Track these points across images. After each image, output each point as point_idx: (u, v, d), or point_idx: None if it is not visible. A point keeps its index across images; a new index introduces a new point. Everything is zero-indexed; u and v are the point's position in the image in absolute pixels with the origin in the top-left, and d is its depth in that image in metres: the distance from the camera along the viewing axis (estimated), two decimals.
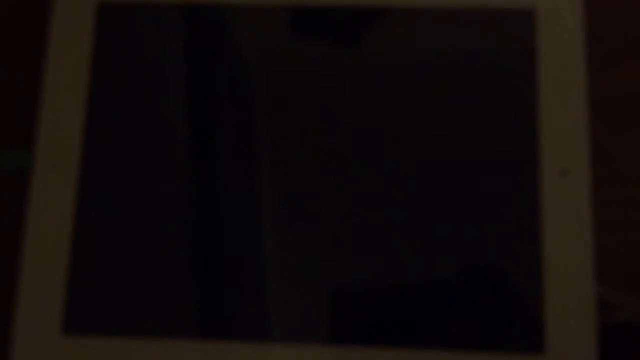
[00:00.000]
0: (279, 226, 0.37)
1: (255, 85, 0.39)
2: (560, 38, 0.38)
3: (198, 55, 0.39)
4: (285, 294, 0.36)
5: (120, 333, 0.36)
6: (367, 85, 0.38)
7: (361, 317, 0.36)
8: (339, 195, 0.37)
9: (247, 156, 0.38)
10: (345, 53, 0.39)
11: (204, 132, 0.38)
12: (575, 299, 0.35)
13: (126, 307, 0.36)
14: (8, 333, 0.40)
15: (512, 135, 0.37)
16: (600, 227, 0.41)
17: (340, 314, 0.36)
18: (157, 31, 0.39)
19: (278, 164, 0.37)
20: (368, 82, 0.38)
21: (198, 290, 0.36)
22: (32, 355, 0.36)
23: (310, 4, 0.39)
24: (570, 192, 0.36)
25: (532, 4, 0.39)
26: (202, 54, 0.39)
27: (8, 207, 0.41)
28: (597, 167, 0.42)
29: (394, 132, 0.37)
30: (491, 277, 0.36)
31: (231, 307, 0.36)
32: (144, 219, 0.37)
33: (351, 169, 0.37)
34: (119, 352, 0.36)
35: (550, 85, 0.37)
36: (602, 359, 0.38)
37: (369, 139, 0.37)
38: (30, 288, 0.37)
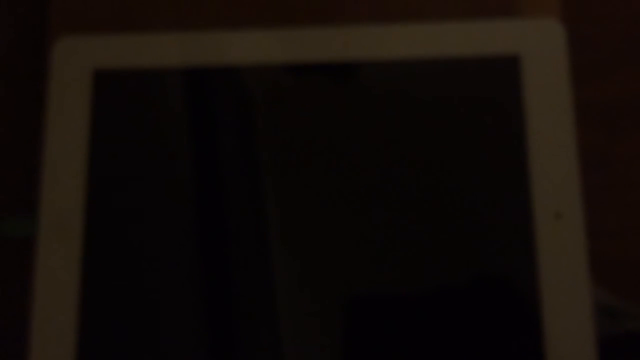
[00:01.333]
0: (287, 261, 0.37)
1: (258, 125, 0.39)
2: (546, 82, 0.39)
3: (195, 116, 0.40)
4: (295, 329, 0.37)
5: None
6: (364, 119, 0.39)
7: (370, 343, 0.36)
8: (337, 225, 0.37)
9: (254, 193, 0.39)
10: (340, 92, 0.39)
11: (207, 193, 0.39)
12: (575, 340, 0.36)
13: None
14: None
15: (504, 182, 0.38)
16: (601, 235, 0.41)
17: (349, 338, 0.36)
18: (154, 95, 0.40)
19: (283, 194, 0.38)
20: (364, 117, 0.39)
21: (209, 345, 0.37)
22: None
23: (303, 59, 0.40)
24: (565, 233, 0.37)
25: (516, 49, 0.39)
26: (200, 114, 0.40)
27: (15, 274, 0.42)
28: (595, 173, 0.42)
29: (384, 180, 0.38)
30: (490, 314, 0.36)
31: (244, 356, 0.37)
32: (151, 281, 0.38)
33: (355, 195, 0.38)
34: None
35: (539, 130, 0.38)
36: None
37: (372, 172, 0.38)
38: (39, 356, 0.37)
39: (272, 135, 0.39)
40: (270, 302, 0.37)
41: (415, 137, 0.39)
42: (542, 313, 0.36)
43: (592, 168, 0.42)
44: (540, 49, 0.39)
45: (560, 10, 0.42)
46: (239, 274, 0.38)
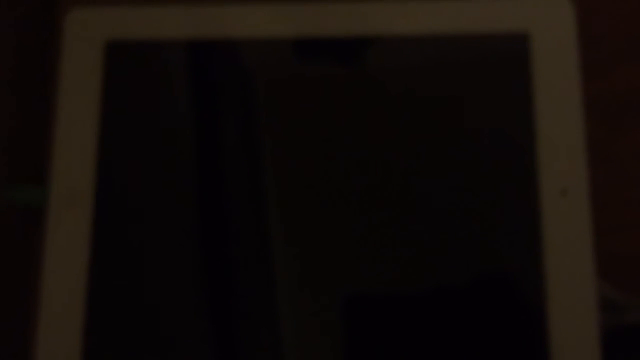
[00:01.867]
0: (289, 255, 0.38)
1: (262, 111, 0.40)
2: (555, 61, 0.39)
3: (206, 89, 0.40)
4: (295, 324, 0.37)
5: None
6: (369, 107, 0.39)
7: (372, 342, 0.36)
8: (341, 219, 0.38)
9: (255, 186, 0.39)
10: (347, 74, 0.39)
11: (215, 165, 0.39)
12: (578, 315, 0.36)
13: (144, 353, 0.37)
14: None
15: (511, 158, 0.38)
16: (604, 230, 0.41)
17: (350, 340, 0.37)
18: (165, 67, 0.41)
19: (284, 190, 0.38)
20: (369, 104, 0.39)
21: (210, 342, 0.37)
22: None
23: (310, 34, 0.40)
24: (571, 210, 0.37)
25: (526, 27, 0.40)
26: (210, 88, 0.40)
27: (25, 242, 0.42)
28: (599, 168, 0.42)
29: (394, 152, 0.38)
30: (494, 292, 0.36)
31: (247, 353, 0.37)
32: (159, 253, 0.38)
33: (357, 191, 0.38)
34: None
35: (547, 107, 0.38)
36: None
37: (374, 160, 0.38)
38: (47, 328, 0.38)
39: (275, 116, 0.39)
40: (271, 301, 0.37)
41: (422, 117, 0.39)
42: (546, 292, 0.36)
43: (593, 164, 0.42)
44: (550, 27, 0.39)
45: None
46: (240, 270, 0.38)
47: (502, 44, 0.39)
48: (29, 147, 0.43)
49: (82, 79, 0.40)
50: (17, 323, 0.41)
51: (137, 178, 0.39)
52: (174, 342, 0.37)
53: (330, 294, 0.37)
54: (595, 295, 0.36)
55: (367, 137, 0.39)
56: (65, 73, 0.41)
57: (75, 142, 0.40)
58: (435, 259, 0.37)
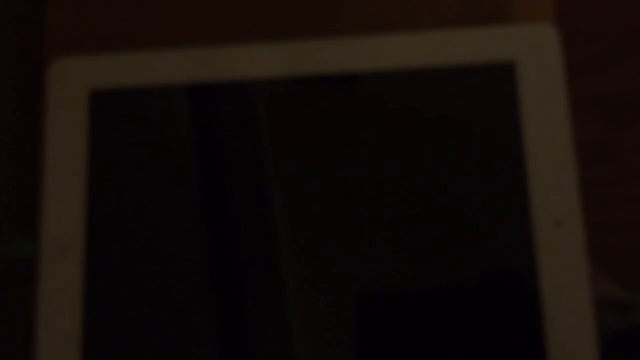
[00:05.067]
0: (297, 259, 0.37)
1: (261, 134, 0.39)
2: (542, 88, 0.39)
3: (196, 134, 0.40)
4: (305, 322, 0.37)
5: None
6: (361, 138, 0.39)
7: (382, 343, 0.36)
8: (342, 224, 0.38)
9: (262, 194, 0.39)
10: (340, 108, 0.39)
11: (209, 208, 0.39)
12: (578, 347, 0.36)
13: None
14: None
15: (503, 190, 0.37)
16: (608, 228, 0.41)
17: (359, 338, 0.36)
18: (151, 113, 0.40)
19: (291, 196, 0.38)
20: (363, 138, 0.39)
21: (219, 351, 0.37)
22: None
23: (302, 72, 0.40)
24: (565, 241, 0.37)
25: (512, 56, 0.39)
26: (201, 132, 0.40)
27: (17, 296, 0.42)
28: (602, 166, 0.42)
29: (388, 183, 0.38)
30: (491, 323, 0.36)
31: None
32: (153, 302, 0.38)
33: (358, 200, 0.38)
34: None
35: (536, 136, 0.38)
36: None
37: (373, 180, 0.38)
38: None
39: (278, 148, 0.39)
40: (280, 302, 0.37)
41: (413, 146, 0.38)
42: (544, 321, 0.36)
43: (598, 161, 0.42)
44: (535, 55, 0.39)
45: (554, 14, 0.42)
46: (248, 281, 0.38)
47: (488, 74, 0.39)
48: (20, 200, 0.43)
49: (68, 128, 0.40)
50: None
51: (128, 226, 0.39)
52: None
53: (338, 292, 0.37)
54: (594, 324, 0.36)
55: (367, 157, 0.39)
56: (51, 123, 0.40)
57: (64, 192, 0.40)
58: (434, 281, 0.37)
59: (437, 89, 0.39)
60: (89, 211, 0.39)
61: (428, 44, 0.40)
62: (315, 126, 0.39)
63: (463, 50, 0.40)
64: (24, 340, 0.41)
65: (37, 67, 0.45)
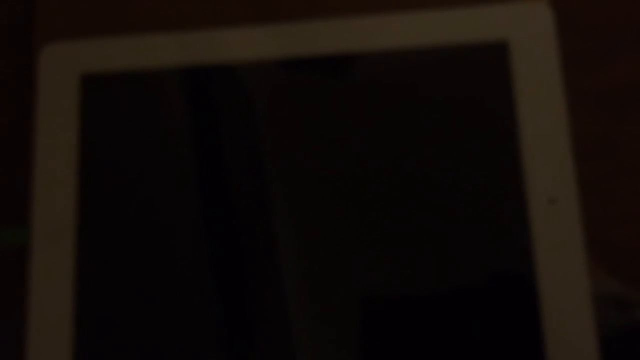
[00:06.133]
0: (298, 257, 0.37)
1: (260, 126, 0.39)
2: (536, 67, 0.38)
3: (188, 117, 0.40)
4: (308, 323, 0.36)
5: None
6: (361, 117, 0.39)
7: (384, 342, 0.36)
8: (343, 226, 0.37)
9: (263, 195, 0.38)
10: (336, 88, 0.39)
11: (209, 192, 0.39)
12: (573, 323, 0.35)
13: None
14: None
15: (497, 169, 0.37)
16: (607, 222, 0.41)
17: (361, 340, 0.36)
18: (141, 97, 0.40)
19: (291, 198, 0.38)
20: (361, 115, 0.39)
21: (221, 350, 0.37)
22: None
23: (297, 53, 0.40)
24: (560, 218, 0.36)
25: (505, 35, 0.39)
26: (191, 117, 0.40)
27: (8, 283, 0.42)
28: (602, 159, 0.41)
29: (386, 160, 0.38)
30: (489, 299, 0.36)
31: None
32: (147, 288, 0.38)
33: (359, 196, 0.38)
34: None
35: (530, 115, 0.38)
36: (626, 358, 0.38)
37: (370, 168, 0.38)
38: None
39: (273, 132, 0.39)
40: (282, 304, 0.37)
41: (406, 127, 0.38)
42: (540, 299, 0.36)
43: (598, 155, 0.41)
44: (529, 34, 0.39)
45: None
46: (249, 277, 0.37)
47: (482, 53, 0.39)
48: (10, 185, 0.43)
49: (58, 113, 0.40)
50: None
51: (120, 211, 0.39)
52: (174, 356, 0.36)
53: (341, 295, 0.37)
54: (591, 302, 0.35)
55: (362, 150, 0.38)
56: (42, 108, 0.40)
57: (55, 178, 0.39)
58: (424, 278, 0.36)
59: (431, 69, 0.39)
60: (80, 197, 0.39)
61: (421, 23, 0.40)
62: (310, 108, 0.39)
63: (456, 29, 0.39)
64: (16, 325, 0.41)
65: (27, 52, 0.44)
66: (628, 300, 0.39)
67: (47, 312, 0.38)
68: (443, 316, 0.36)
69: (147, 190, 0.39)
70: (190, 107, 0.40)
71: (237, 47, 0.40)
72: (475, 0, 0.42)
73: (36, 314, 0.38)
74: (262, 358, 0.36)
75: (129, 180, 0.39)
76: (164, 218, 0.38)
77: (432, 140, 0.38)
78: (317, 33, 0.40)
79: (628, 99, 0.42)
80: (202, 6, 0.44)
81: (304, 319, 0.36)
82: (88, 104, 0.40)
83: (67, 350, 0.37)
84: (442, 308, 0.36)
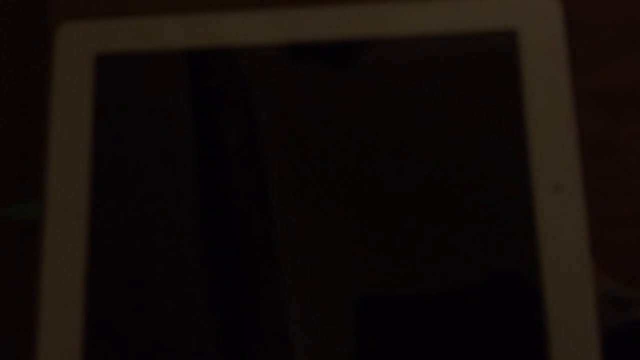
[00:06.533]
0: (296, 258, 0.38)
1: (263, 116, 0.40)
2: (544, 57, 0.39)
3: (201, 98, 0.40)
4: (305, 324, 0.37)
5: None
6: (366, 108, 0.39)
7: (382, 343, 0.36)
8: (343, 225, 0.38)
9: (261, 191, 0.39)
10: (341, 76, 0.40)
11: (212, 173, 0.39)
12: (577, 311, 0.36)
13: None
14: None
15: (503, 156, 0.38)
16: (606, 223, 0.41)
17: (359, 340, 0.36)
18: (156, 78, 0.41)
19: (289, 194, 0.38)
20: (366, 106, 0.39)
21: (218, 338, 0.37)
22: None
23: (304, 39, 0.40)
24: (565, 205, 0.37)
25: (514, 25, 0.40)
26: (205, 96, 0.40)
27: (22, 256, 0.42)
28: (601, 160, 0.42)
29: (390, 153, 0.38)
30: (492, 292, 0.36)
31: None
32: (156, 269, 0.38)
33: (359, 193, 0.38)
34: None
35: (537, 104, 0.38)
36: (626, 358, 0.38)
37: (374, 162, 0.38)
38: (47, 338, 0.38)
39: (273, 119, 0.40)
40: (281, 305, 0.37)
41: (412, 115, 0.39)
42: (543, 286, 0.36)
43: (596, 156, 0.42)
44: (538, 24, 0.39)
45: None
46: (248, 273, 0.38)
47: (490, 42, 0.39)
48: (24, 162, 0.43)
49: (73, 92, 0.41)
50: (16, 338, 0.41)
51: (132, 189, 0.39)
52: (178, 353, 0.37)
53: (339, 296, 0.37)
54: (593, 291, 0.36)
55: (365, 139, 0.39)
56: (57, 87, 0.41)
57: (69, 155, 0.40)
58: (427, 263, 0.37)
59: (438, 58, 0.40)
60: (93, 174, 0.40)
61: (429, 12, 0.40)
62: (312, 96, 0.40)
63: (465, 18, 0.40)
64: (28, 301, 0.41)
65: (41, 31, 0.45)
66: (627, 300, 0.39)
67: (59, 287, 0.38)
68: (445, 313, 0.36)
69: (158, 169, 0.39)
70: (203, 89, 0.40)
71: (245, 31, 0.41)
72: None
73: (48, 289, 0.38)
74: (261, 358, 0.37)
75: (140, 159, 0.40)
76: (173, 195, 0.39)
77: (438, 128, 0.39)
78: (323, 19, 0.41)
79: (628, 99, 0.43)
80: None
81: (303, 319, 0.37)
82: (102, 83, 0.41)
83: (78, 328, 0.38)
84: (444, 303, 0.37)
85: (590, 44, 0.43)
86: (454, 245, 0.37)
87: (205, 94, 0.40)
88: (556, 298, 0.36)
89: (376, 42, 0.40)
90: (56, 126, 0.40)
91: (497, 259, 0.37)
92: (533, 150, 0.38)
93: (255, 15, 0.41)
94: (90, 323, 0.38)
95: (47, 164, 0.40)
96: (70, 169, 0.40)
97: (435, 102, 0.39)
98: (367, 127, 0.39)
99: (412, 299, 0.37)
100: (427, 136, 0.38)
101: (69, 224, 0.39)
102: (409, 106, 0.39)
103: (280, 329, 0.37)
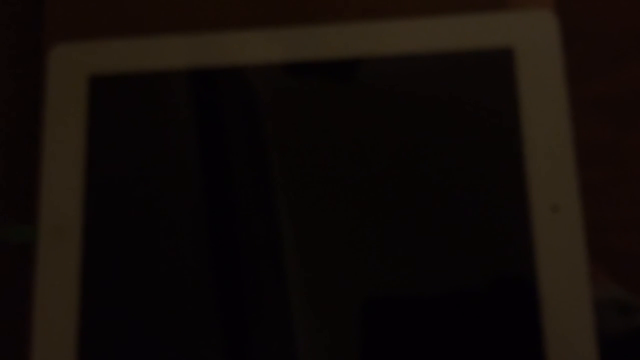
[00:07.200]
0: (300, 259, 0.37)
1: (266, 129, 0.39)
2: (540, 74, 0.39)
3: (196, 120, 0.40)
4: (309, 326, 0.37)
5: None
6: (365, 123, 0.39)
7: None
8: (345, 228, 0.38)
9: (266, 197, 0.39)
10: (341, 93, 0.39)
11: (214, 195, 0.39)
12: (574, 323, 0.35)
13: None
14: None
15: (500, 175, 0.37)
16: (610, 229, 0.41)
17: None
18: (150, 99, 0.40)
19: (294, 199, 0.38)
20: (365, 121, 0.39)
21: (221, 351, 0.37)
22: None
23: (304, 57, 0.40)
24: (562, 225, 0.37)
25: (510, 42, 0.39)
26: (200, 118, 0.40)
27: (15, 280, 0.42)
28: (606, 167, 0.42)
29: (389, 170, 0.38)
30: (489, 307, 0.36)
31: None
32: (152, 288, 0.38)
33: (361, 198, 0.38)
34: None
35: (534, 122, 0.38)
36: None
37: (372, 171, 0.38)
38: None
39: (278, 135, 0.39)
40: (284, 307, 0.37)
41: (411, 132, 0.39)
42: (541, 306, 0.36)
43: (601, 162, 0.42)
44: (534, 41, 0.39)
45: (555, 2, 0.42)
46: (252, 279, 0.38)
47: (487, 60, 0.39)
48: (18, 184, 0.43)
49: (67, 113, 0.40)
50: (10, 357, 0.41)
51: (127, 210, 0.39)
52: (177, 355, 0.37)
53: (343, 298, 0.37)
54: (592, 308, 0.36)
55: (366, 154, 0.39)
56: (50, 108, 0.41)
57: (63, 177, 0.40)
58: (425, 275, 0.37)
59: (436, 75, 0.39)
60: (87, 196, 0.39)
61: (426, 30, 0.40)
62: (316, 112, 0.39)
63: (461, 36, 0.40)
64: (21, 322, 0.41)
65: (36, 52, 0.45)
66: (631, 306, 0.39)
67: (53, 310, 0.38)
68: (444, 321, 0.36)
69: (152, 191, 0.39)
70: (197, 109, 0.40)
71: (246, 50, 0.40)
72: (481, 8, 0.42)
73: (41, 312, 0.38)
74: (263, 359, 0.37)
75: (135, 180, 0.39)
76: (169, 218, 0.39)
77: (436, 146, 0.38)
78: (325, 37, 0.40)
79: (632, 105, 0.42)
80: (210, 8, 0.44)
81: (305, 321, 0.37)
82: (96, 104, 0.40)
83: (72, 347, 0.37)
84: (443, 313, 0.36)
85: (595, 50, 0.43)
86: (453, 266, 0.37)
87: (203, 113, 0.40)
88: (555, 318, 0.36)
89: (375, 59, 0.40)
90: (49, 147, 0.40)
91: (496, 278, 0.36)
92: (530, 170, 0.37)
93: (256, 34, 0.41)
94: (84, 347, 0.37)
95: (41, 185, 0.40)
96: (64, 191, 0.39)
97: (433, 120, 0.39)
98: (367, 143, 0.39)
99: (413, 301, 0.36)
100: (424, 156, 0.38)
101: (62, 246, 0.39)
102: (407, 123, 0.39)
103: (283, 331, 0.37)
